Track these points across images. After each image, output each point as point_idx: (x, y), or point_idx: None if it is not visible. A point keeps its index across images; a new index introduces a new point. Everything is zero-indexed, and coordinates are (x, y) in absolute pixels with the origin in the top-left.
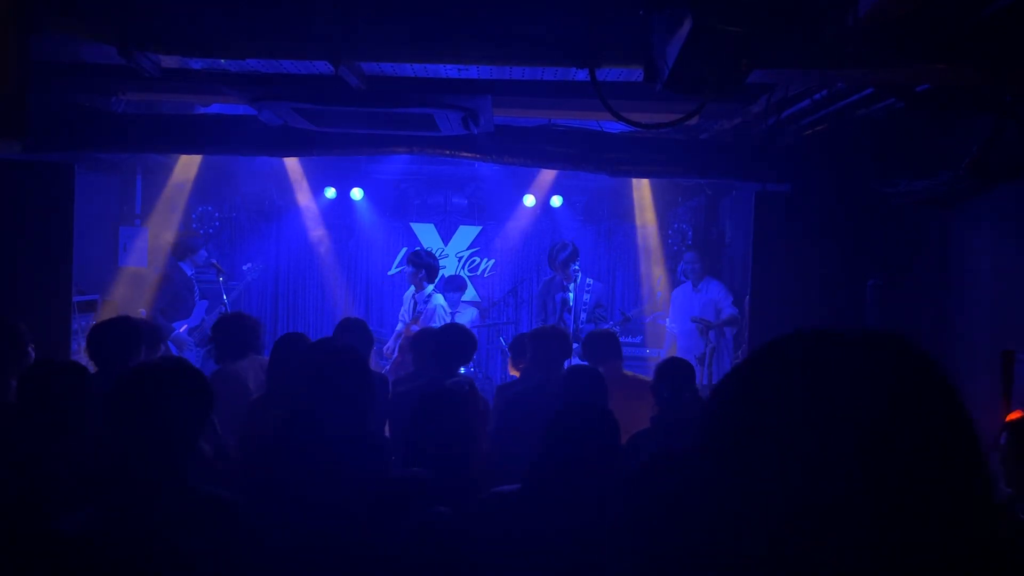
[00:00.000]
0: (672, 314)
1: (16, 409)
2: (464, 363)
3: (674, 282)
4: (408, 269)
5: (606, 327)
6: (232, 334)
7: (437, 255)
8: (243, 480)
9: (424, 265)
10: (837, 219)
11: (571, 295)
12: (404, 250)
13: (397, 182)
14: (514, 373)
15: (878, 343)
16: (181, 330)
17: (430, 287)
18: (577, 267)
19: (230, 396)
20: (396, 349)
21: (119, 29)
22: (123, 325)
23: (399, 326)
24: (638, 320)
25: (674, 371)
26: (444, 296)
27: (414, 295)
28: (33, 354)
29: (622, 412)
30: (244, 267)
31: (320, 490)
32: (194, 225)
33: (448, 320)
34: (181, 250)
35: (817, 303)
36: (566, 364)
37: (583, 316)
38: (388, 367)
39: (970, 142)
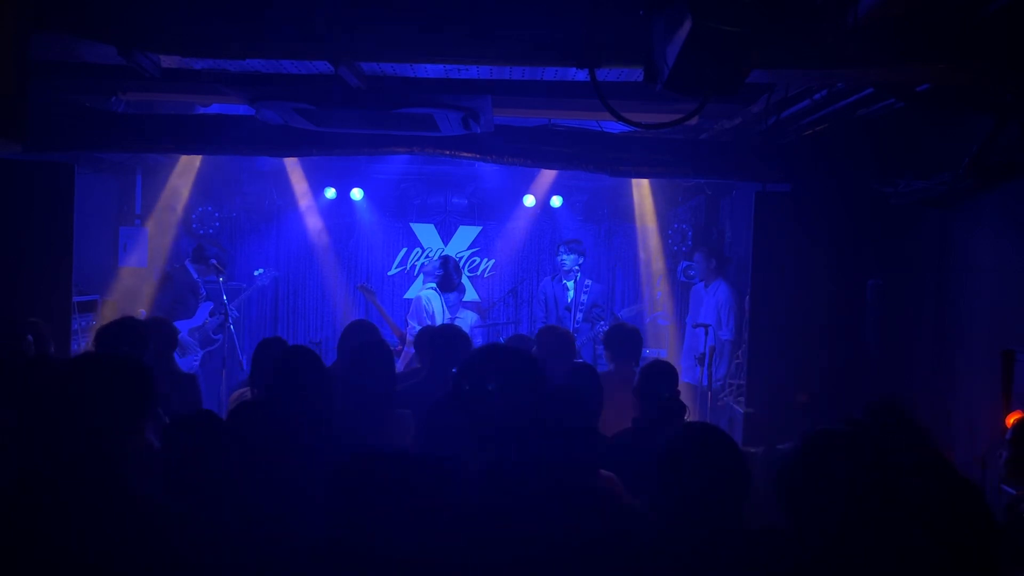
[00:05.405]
0: (690, 314)
1: None
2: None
3: (674, 283)
4: (438, 271)
5: (600, 326)
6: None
7: (437, 255)
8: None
9: (447, 271)
10: (837, 219)
11: (570, 293)
12: (404, 250)
13: (397, 182)
14: None
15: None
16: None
17: (431, 283)
18: (578, 266)
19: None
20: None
21: (119, 29)
22: (130, 326)
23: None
24: (638, 320)
25: (656, 373)
26: (442, 297)
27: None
28: (31, 343)
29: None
30: (256, 272)
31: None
32: (194, 225)
33: (429, 316)
34: (196, 256)
35: (817, 303)
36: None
37: (579, 316)
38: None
39: (970, 142)
